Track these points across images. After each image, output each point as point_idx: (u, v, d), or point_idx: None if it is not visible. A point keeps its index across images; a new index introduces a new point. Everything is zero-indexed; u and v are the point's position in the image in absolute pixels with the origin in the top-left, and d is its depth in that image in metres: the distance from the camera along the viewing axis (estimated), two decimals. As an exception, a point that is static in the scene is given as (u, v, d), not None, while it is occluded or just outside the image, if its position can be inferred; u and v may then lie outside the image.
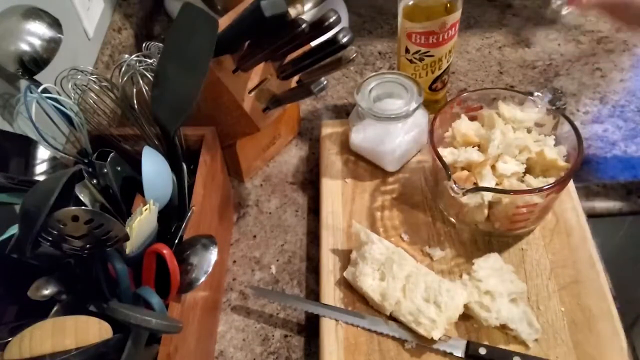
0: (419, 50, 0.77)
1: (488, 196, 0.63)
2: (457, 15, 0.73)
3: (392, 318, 0.63)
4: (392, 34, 1.03)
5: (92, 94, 0.65)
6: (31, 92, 0.54)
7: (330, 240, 0.71)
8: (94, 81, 0.64)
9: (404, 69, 0.80)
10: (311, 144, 0.87)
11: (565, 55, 0.96)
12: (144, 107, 0.62)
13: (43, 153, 0.58)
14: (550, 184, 0.61)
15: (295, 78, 0.72)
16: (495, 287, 0.62)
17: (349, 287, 0.66)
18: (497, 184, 0.65)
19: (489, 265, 0.64)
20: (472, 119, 0.72)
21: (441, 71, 0.80)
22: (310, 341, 0.66)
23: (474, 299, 0.62)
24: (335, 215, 0.74)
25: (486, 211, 0.65)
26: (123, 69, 0.62)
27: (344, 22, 0.96)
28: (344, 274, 0.67)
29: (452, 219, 0.71)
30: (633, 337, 0.61)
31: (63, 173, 0.47)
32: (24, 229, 0.46)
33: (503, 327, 0.61)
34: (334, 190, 0.77)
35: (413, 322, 0.61)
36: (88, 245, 0.48)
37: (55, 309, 0.52)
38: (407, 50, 0.77)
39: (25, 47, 0.59)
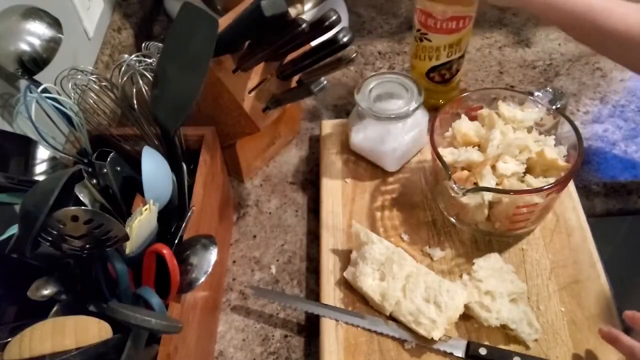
0: (420, 30, 0.78)
1: (488, 196, 0.63)
2: (460, 9, 0.73)
3: (392, 318, 0.63)
4: (392, 34, 1.03)
5: (92, 94, 0.65)
6: (31, 92, 0.54)
7: (330, 240, 0.71)
8: (94, 81, 0.64)
9: (412, 43, 0.81)
10: (311, 144, 0.87)
11: (566, 55, 0.96)
12: (143, 107, 0.62)
13: (43, 153, 0.58)
14: (551, 184, 0.61)
15: (295, 78, 0.72)
16: (496, 287, 0.62)
17: (349, 287, 0.66)
18: (497, 184, 0.64)
19: (489, 265, 0.64)
20: (473, 118, 0.72)
21: (439, 62, 0.80)
22: (310, 341, 0.66)
23: (474, 299, 0.62)
24: (335, 215, 0.74)
25: (486, 211, 0.65)
26: (123, 68, 0.62)
27: (344, 22, 0.96)
28: (344, 274, 0.67)
29: (452, 219, 0.71)
30: (633, 337, 0.60)
31: (63, 173, 0.47)
32: (24, 229, 0.46)
33: (503, 327, 0.61)
34: (334, 190, 0.77)
35: (413, 322, 0.61)
36: (88, 245, 0.48)
37: (55, 309, 0.52)
38: (415, 24, 0.78)
39: (25, 47, 0.59)
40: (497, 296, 0.61)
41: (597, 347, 0.60)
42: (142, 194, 0.55)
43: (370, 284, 0.64)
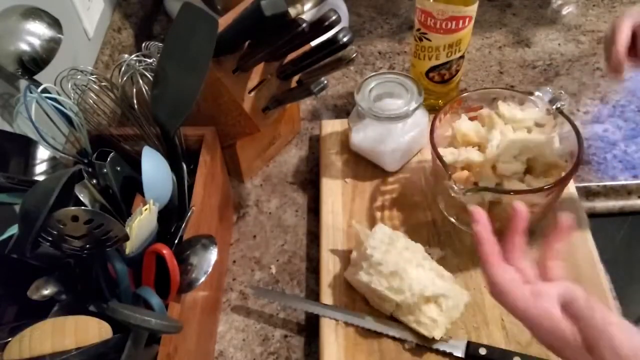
0: (420, 29, 0.78)
1: (488, 196, 0.63)
2: (460, 9, 0.73)
3: (392, 318, 0.63)
4: (392, 34, 1.03)
5: (92, 94, 0.65)
6: (31, 92, 0.54)
7: (330, 240, 0.71)
8: (94, 81, 0.64)
9: (412, 42, 0.82)
10: (311, 144, 0.87)
11: (565, 55, 0.96)
12: (143, 107, 0.62)
13: (43, 153, 0.58)
14: (551, 184, 0.61)
15: (295, 78, 0.72)
16: (397, 263, 0.61)
17: (349, 287, 0.66)
18: (497, 184, 0.64)
19: (380, 242, 0.63)
20: (473, 119, 0.72)
21: (439, 62, 0.80)
22: (310, 341, 0.66)
23: (384, 286, 0.60)
24: (335, 215, 0.74)
25: (486, 211, 0.65)
26: (123, 68, 0.62)
27: (344, 22, 0.96)
28: (344, 274, 0.67)
29: (452, 219, 0.71)
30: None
31: (63, 173, 0.47)
32: (24, 229, 0.46)
33: (427, 301, 0.61)
34: (334, 190, 0.77)
35: (414, 322, 0.61)
36: (88, 246, 0.48)
37: (55, 309, 0.52)
38: (415, 24, 0.78)
39: (25, 47, 0.59)
40: (402, 273, 0.60)
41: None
42: (142, 194, 0.55)
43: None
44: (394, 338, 0.62)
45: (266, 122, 0.72)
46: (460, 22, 0.75)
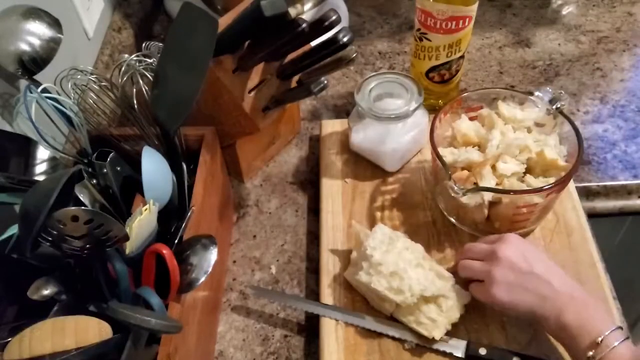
0: (420, 29, 0.78)
1: (488, 196, 0.63)
2: (460, 9, 0.73)
3: (392, 318, 0.63)
4: (392, 34, 1.03)
5: (92, 94, 0.65)
6: (31, 92, 0.54)
7: (330, 240, 0.71)
8: (94, 81, 0.64)
9: (412, 42, 0.82)
10: (311, 144, 0.87)
11: (565, 55, 0.96)
12: (143, 107, 0.62)
13: (43, 153, 0.58)
14: (551, 184, 0.61)
15: (296, 78, 0.72)
16: (397, 263, 0.61)
17: (349, 287, 0.66)
18: (497, 184, 0.64)
19: (379, 242, 0.63)
20: (473, 119, 0.72)
21: (439, 62, 0.80)
22: (310, 341, 0.66)
23: (383, 287, 0.60)
24: (335, 215, 0.74)
25: (486, 211, 0.65)
26: (123, 68, 0.62)
27: (344, 22, 0.96)
28: (344, 274, 0.67)
29: (452, 219, 0.71)
30: (633, 337, 0.60)
31: (63, 173, 0.47)
32: (24, 229, 0.46)
33: (427, 301, 0.61)
34: (334, 190, 0.77)
35: (414, 322, 0.61)
36: (88, 246, 0.48)
37: (55, 309, 0.52)
38: (415, 24, 0.79)
39: (25, 47, 0.59)
40: (402, 273, 0.60)
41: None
42: (142, 194, 0.55)
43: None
44: (394, 338, 0.62)
45: (266, 122, 0.72)
46: (460, 22, 0.75)
